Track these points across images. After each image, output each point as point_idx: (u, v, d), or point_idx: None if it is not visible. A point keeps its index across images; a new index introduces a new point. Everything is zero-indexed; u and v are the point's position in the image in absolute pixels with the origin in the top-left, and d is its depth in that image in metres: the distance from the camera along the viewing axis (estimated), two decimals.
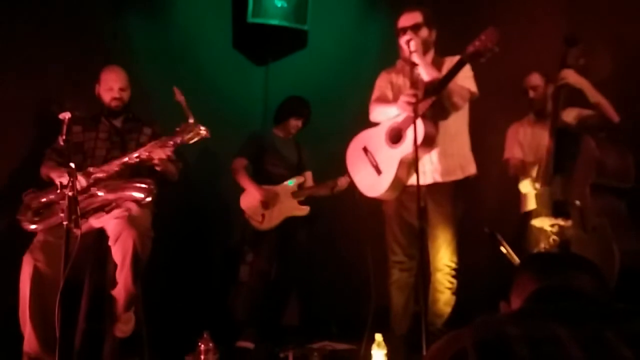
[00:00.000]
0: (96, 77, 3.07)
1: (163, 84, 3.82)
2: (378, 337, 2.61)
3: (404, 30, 2.87)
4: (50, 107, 2.73)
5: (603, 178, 2.74)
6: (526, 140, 3.33)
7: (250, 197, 3.66)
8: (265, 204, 3.62)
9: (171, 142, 2.82)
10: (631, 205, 2.79)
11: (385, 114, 2.97)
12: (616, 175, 2.78)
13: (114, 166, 2.78)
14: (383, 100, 3.03)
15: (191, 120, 2.79)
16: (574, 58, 2.95)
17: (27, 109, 3.28)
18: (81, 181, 2.67)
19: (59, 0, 3.50)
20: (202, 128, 2.80)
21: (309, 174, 3.88)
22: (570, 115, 3.11)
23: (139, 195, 2.76)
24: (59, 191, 2.67)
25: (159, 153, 2.79)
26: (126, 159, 2.80)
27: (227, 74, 4.32)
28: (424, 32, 2.89)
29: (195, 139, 2.82)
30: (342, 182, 3.65)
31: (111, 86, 3.01)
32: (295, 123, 3.81)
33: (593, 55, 3.05)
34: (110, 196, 2.74)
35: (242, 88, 4.35)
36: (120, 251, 2.66)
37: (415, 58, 2.71)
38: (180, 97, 2.75)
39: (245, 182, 3.67)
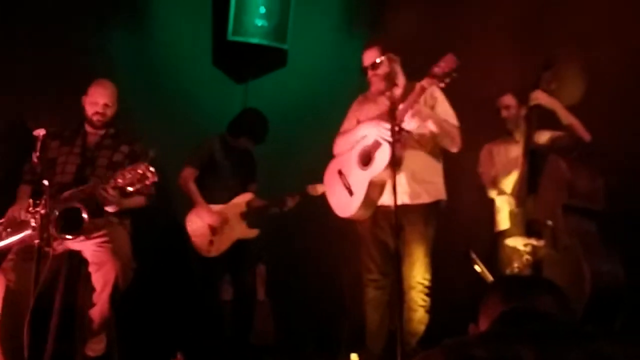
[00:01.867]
0: (77, 92, 3.04)
1: (143, 100, 3.86)
2: (353, 357, 2.61)
3: (366, 70, 2.98)
4: (26, 123, 2.71)
5: (574, 199, 2.79)
6: (500, 159, 3.40)
7: (199, 221, 3.50)
8: (214, 229, 3.48)
9: (108, 186, 2.60)
10: (602, 228, 2.85)
11: (346, 145, 3.06)
12: (587, 197, 2.83)
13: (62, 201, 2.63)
14: (346, 132, 3.11)
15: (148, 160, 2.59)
16: (546, 82, 3.02)
17: (3, 123, 3.24)
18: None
19: (41, 15, 3.49)
20: (150, 173, 2.53)
21: (253, 187, 3.73)
22: (542, 138, 3.17)
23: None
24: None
25: (103, 195, 2.61)
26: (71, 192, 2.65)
27: (206, 91, 4.32)
28: (384, 68, 2.92)
29: (138, 186, 2.57)
30: (291, 202, 3.61)
31: (96, 100, 2.95)
32: (245, 141, 3.68)
33: (565, 80, 3.13)
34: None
35: (221, 105, 4.35)
36: (102, 280, 2.64)
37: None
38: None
39: (197, 199, 3.49)
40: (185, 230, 3.53)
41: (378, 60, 2.91)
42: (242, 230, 3.58)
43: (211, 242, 3.46)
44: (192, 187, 3.53)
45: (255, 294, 3.77)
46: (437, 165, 3.04)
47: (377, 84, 2.94)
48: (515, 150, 3.29)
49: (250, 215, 3.61)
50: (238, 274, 3.63)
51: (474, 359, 0.97)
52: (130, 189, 2.56)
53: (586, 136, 3.00)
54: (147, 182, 2.53)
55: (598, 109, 3.32)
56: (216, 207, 3.54)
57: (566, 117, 3.01)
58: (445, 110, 2.99)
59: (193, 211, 3.53)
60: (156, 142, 3.09)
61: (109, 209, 2.73)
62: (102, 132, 3.01)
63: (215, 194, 3.57)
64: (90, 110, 2.96)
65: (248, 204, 3.63)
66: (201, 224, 3.49)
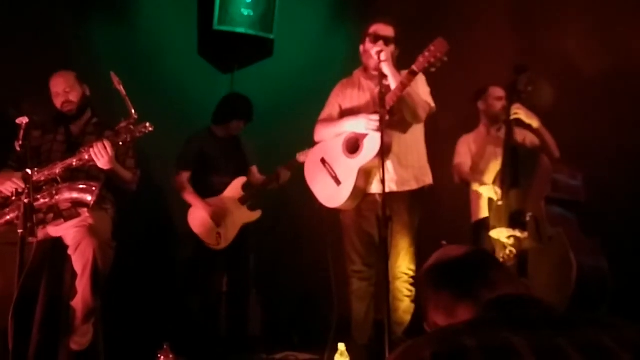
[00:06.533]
0: None
1: (127, 91, 3.79)
2: (341, 346, 2.62)
3: (377, 39, 2.90)
4: (8, 111, 2.66)
5: (557, 192, 2.88)
6: (478, 150, 3.44)
7: (201, 217, 3.52)
8: (217, 221, 3.51)
9: (111, 144, 2.61)
10: (582, 223, 2.92)
11: (329, 134, 3.04)
12: (569, 190, 2.94)
13: (56, 169, 2.62)
14: (329, 121, 3.08)
15: (135, 116, 2.57)
16: (523, 85, 3.12)
17: None
18: (18, 184, 2.55)
19: (20, 3, 3.42)
20: (147, 124, 2.61)
21: (254, 169, 3.77)
22: (520, 136, 3.28)
23: (82, 196, 2.59)
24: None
25: (102, 156, 2.60)
26: (68, 162, 2.63)
27: (192, 81, 4.29)
28: (392, 47, 2.94)
29: (139, 135, 2.62)
30: (285, 173, 3.61)
31: (56, 91, 2.93)
32: (237, 125, 3.67)
33: (539, 84, 3.22)
34: (48, 200, 2.58)
35: (207, 95, 4.30)
36: (80, 261, 2.59)
37: (385, 68, 2.75)
38: (118, 85, 2.52)
39: (193, 199, 3.53)
40: (186, 224, 3.56)
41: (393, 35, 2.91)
42: (244, 215, 3.60)
43: (219, 235, 3.51)
44: (189, 190, 3.55)
45: (250, 285, 3.75)
46: (422, 149, 3.05)
47: (375, 62, 2.83)
48: (494, 142, 3.34)
49: (248, 199, 3.62)
50: (237, 264, 3.63)
51: (465, 347, 0.96)
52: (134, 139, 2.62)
53: (556, 154, 3.19)
54: (146, 132, 2.59)
55: (582, 105, 3.40)
56: (213, 200, 3.55)
57: (541, 135, 3.19)
58: (424, 91, 2.99)
59: (192, 209, 3.55)
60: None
61: (103, 165, 2.64)
62: (82, 119, 2.97)
63: (212, 188, 3.59)
64: (57, 103, 2.93)
65: (244, 187, 3.63)
66: (204, 220, 3.51)
